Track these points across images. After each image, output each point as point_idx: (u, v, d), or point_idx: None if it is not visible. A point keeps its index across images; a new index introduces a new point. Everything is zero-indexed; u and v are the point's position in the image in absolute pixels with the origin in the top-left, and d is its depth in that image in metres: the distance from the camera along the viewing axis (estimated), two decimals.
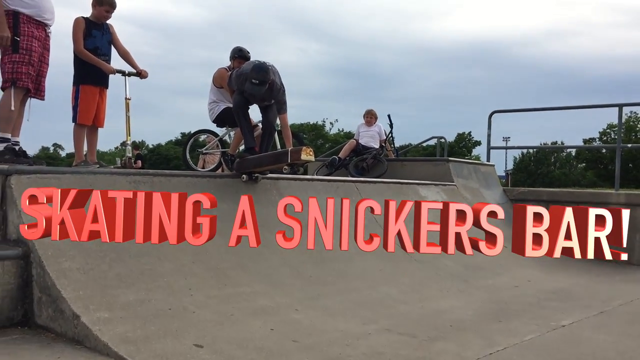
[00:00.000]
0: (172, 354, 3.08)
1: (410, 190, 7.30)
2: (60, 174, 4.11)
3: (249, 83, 5.25)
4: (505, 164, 62.19)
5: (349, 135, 8.47)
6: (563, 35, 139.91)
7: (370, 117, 9.45)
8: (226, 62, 7.16)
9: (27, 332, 3.44)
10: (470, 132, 59.34)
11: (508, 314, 4.54)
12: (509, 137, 55.82)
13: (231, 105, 7.41)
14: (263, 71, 5.24)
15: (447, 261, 6.17)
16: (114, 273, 3.70)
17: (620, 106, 8.65)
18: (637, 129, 40.52)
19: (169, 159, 61.52)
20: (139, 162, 16.49)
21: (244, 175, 5.27)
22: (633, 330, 4.23)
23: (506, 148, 19.56)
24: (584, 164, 47.26)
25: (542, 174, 54.53)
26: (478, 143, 56.41)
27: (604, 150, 38.98)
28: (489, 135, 9.73)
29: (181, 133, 78.93)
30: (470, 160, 9.70)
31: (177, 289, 3.84)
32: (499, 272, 6.25)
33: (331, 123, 62.74)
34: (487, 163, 9.66)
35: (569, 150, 49.13)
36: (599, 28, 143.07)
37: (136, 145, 18.24)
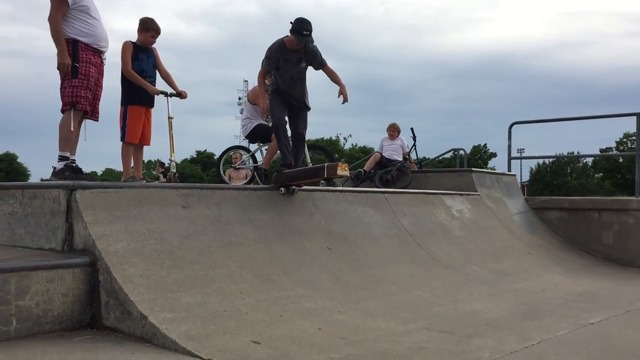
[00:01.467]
0: (233, 349, 3.36)
1: (437, 200, 7.56)
2: (118, 189, 4.44)
3: (299, 36, 5.52)
4: (521, 175, 62.02)
5: (364, 150, 8.80)
6: (575, 45, 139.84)
7: (393, 131, 9.77)
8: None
9: (96, 333, 3.74)
10: (485, 144, 59.41)
11: (538, 314, 4.77)
12: (523, 149, 55.66)
13: (263, 122, 7.83)
14: (307, 22, 5.57)
15: (474, 267, 6.43)
16: (172, 278, 4.00)
17: (639, 115, 8.86)
18: None
19: (185, 177, 62.08)
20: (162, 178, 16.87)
21: (282, 188, 5.57)
22: None
23: (522, 158, 19.73)
24: (601, 174, 47.11)
25: (558, 185, 54.32)
26: (494, 155, 56.43)
27: (620, 160, 38.92)
28: (509, 146, 9.97)
29: (196, 151, 79.70)
30: (492, 171, 9.95)
31: (229, 293, 4.13)
32: (525, 277, 6.47)
33: (345, 138, 63.24)
34: (509, 173, 9.89)
35: (585, 160, 48.97)
36: (611, 37, 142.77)
37: (161, 163, 18.69)
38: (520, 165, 62.04)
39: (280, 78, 5.84)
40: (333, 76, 5.98)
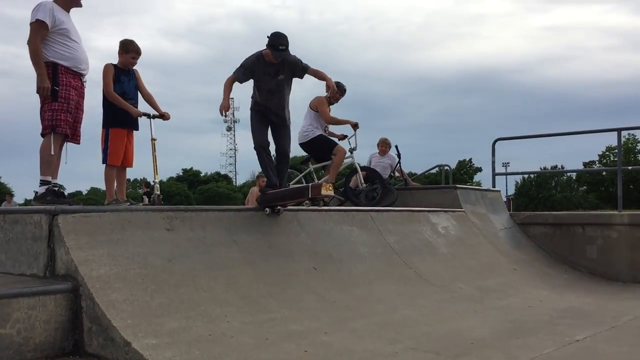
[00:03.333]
0: None
1: (422, 217, 7.58)
2: (101, 212, 4.40)
3: (274, 51, 5.53)
4: (507, 189, 62.34)
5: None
6: (557, 60, 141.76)
7: (385, 147, 9.70)
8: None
9: None
10: (470, 158, 59.79)
11: (524, 331, 4.77)
12: (508, 163, 56.13)
13: (324, 134, 8.25)
14: (282, 36, 5.60)
15: (460, 284, 6.43)
16: (156, 303, 3.96)
17: (619, 130, 8.98)
18: (636, 150, 40.98)
19: (171, 196, 61.85)
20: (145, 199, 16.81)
21: (267, 209, 5.56)
22: None
23: (507, 174, 19.92)
24: (585, 187, 47.58)
25: (543, 198, 54.71)
26: (479, 169, 56.80)
27: (604, 173, 39.35)
28: (493, 162, 10.05)
29: (182, 169, 79.46)
30: (477, 187, 10.01)
31: (214, 317, 4.09)
32: (511, 294, 6.49)
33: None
34: (493, 189, 9.96)
35: (569, 174, 49.47)
36: (593, 52, 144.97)
37: (147, 183, 18.62)
38: (506, 179, 62.58)
39: (258, 91, 5.83)
40: (319, 75, 5.94)
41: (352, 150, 8.39)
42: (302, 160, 9.16)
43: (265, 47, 5.68)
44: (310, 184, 5.49)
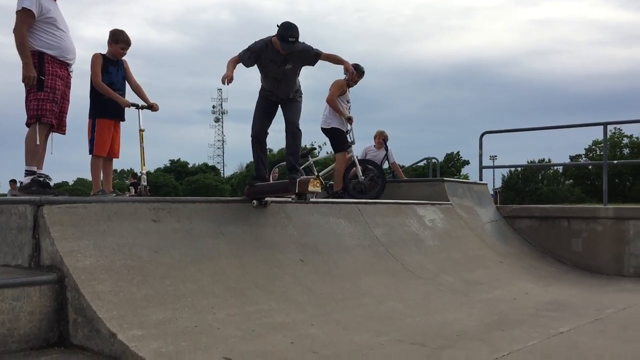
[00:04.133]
0: None
1: (409, 210, 7.61)
2: (87, 203, 4.37)
3: (283, 42, 5.33)
4: (494, 182, 62.75)
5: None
6: (545, 53, 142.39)
7: (381, 139, 9.69)
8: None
9: (64, 351, 3.67)
10: (458, 151, 60.02)
11: (509, 323, 4.81)
12: (495, 156, 56.44)
13: (340, 128, 8.29)
14: (293, 27, 5.38)
15: (447, 277, 6.47)
16: (142, 294, 3.95)
17: (605, 124, 9.05)
18: (622, 144, 41.33)
19: (158, 187, 61.62)
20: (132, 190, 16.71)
21: (254, 201, 5.55)
22: (626, 335, 4.52)
23: (495, 167, 20.00)
24: (571, 181, 47.96)
25: (530, 192, 55.08)
26: (467, 162, 57.05)
27: (590, 167, 39.69)
28: (480, 155, 10.10)
29: (170, 160, 79.15)
30: (464, 180, 10.04)
31: (200, 308, 4.09)
32: (497, 286, 6.53)
33: (319, 146, 63.26)
34: (480, 182, 10.00)
35: (555, 167, 49.78)
36: (581, 46, 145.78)
37: (134, 174, 18.53)
38: (493, 172, 62.79)
39: (264, 78, 5.70)
40: (334, 59, 5.74)
41: (350, 145, 8.42)
42: (303, 152, 9.17)
43: (275, 35, 5.48)
44: (297, 179, 5.45)
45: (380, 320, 4.70)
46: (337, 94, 8.30)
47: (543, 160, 48.37)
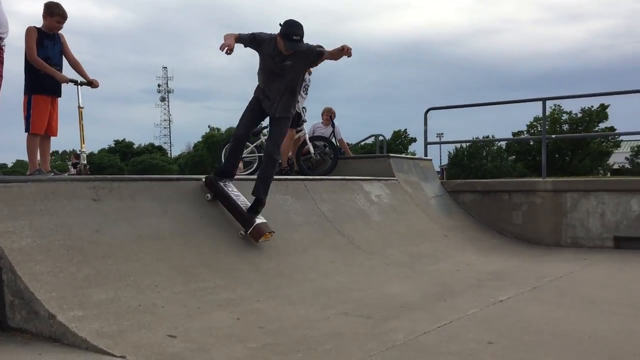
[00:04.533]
0: (148, 345, 3.29)
1: (356, 186, 7.67)
2: (22, 183, 4.22)
3: (288, 41, 5.04)
4: (440, 159, 63.92)
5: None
6: (489, 32, 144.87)
7: (328, 116, 9.67)
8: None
9: (1, 335, 3.56)
10: (405, 129, 60.69)
11: (452, 294, 4.94)
12: (442, 133, 57.43)
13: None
14: (298, 25, 5.09)
15: (393, 251, 6.57)
16: (82, 274, 3.85)
17: (544, 100, 9.31)
18: (562, 120, 42.65)
19: (103, 167, 60.01)
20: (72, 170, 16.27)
21: (208, 195, 5.42)
22: (562, 301, 4.72)
23: (440, 143, 20.33)
24: (514, 157, 49.27)
25: (475, 168, 56.35)
26: (414, 140, 57.82)
27: (532, 143, 40.87)
28: (425, 132, 10.23)
29: (115, 141, 77.17)
30: (409, 156, 10.17)
31: (144, 287, 4.02)
32: (441, 259, 6.69)
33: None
34: (425, 158, 10.16)
35: (499, 143, 51.06)
36: (524, 25, 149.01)
37: (77, 154, 17.98)
38: (440, 149, 63.97)
39: (261, 71, 5.39)
40: (336, 55, 5.30)
41: (301, 123, 8.39)
42: (254, 130, 9.11)
43: (278, 33, 5.16)
44: (254, 224, 5.24)
45: (326, 294, 4.74)
46: None
47: (487, 137, 49.54)
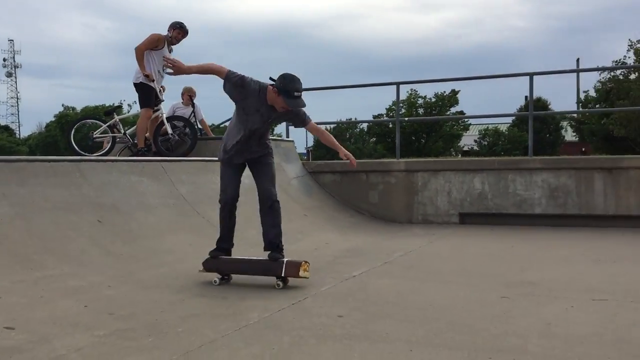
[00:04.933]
0: None
1: (216, 167, 7.56)
2: None
3: (288, 98, 4.35)
4: (307, 141, 65.01)
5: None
6: (353, 17, 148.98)
7: (189, 96, 9.44)
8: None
9: None
10: None
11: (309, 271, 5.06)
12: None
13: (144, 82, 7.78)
14: (298, 80, 4.41)
15: (252, 231, 6.58)
16: None
17: (398, 84, 9.77)
18: (417, 104, 45.01)
19: None
20: None
21: (215, 279, 4.56)
22: (409, 274, 5.02)
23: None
24: (374, 139, 51.31)
25: None
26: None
27: (390, 125, 42.75)
28: None
29: None
30: (271, 137, 10.17)
31: None
32: (300, 238, 6.82)
33: (129, 105, 60.25)
34: (287, 139, 10.28)
35: (361, 126, 52.97)
36: (385, 11, 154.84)
37: None
38: (306, 132, 65.04)
39: (239, 125, 4.64)
40: (323, 136, 4.90)
41: (158, 103, 8.12)
42: (107, 110, 8.91)
43: (269, 83, 4.45)
44: (286, 260, 4.53)
45: (182, 277, 4.67)
46: (149, 47, 7.91)
47: (350, 119, 51.15)
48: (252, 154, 4.81)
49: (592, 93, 36.92)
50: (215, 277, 4.55)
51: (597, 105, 35.70)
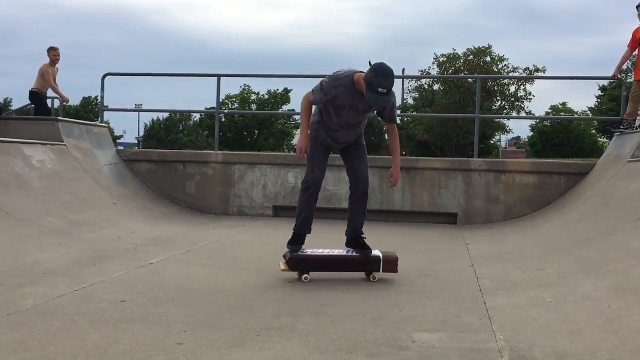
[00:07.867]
0: None
1: (14, 150, 7.05)
2: None
3: (370, 92, 4.10)
4: (138, 131, 62.61)
5: None
6: (194, 7, 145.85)
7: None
8: None
9: None
10: (97, 96, 57.66)
11: (104, 259, 4.93)
12: (141, 105, 56.20)
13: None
14: (389, 76, 4.14)
15: (51, 218, 6.26)
16: None
17: (219, 76, 9.81)
18: (251, 100, 45.45)
19: None
20: None
21: (306, 276, 4.35)
22: (208, 262, 5.10)
23: (118, 110, 19.85)
24: (207, 132, 50.92)
25: (171, 141, 56.65)
26: (105, 108, 55.30)
27: (223, 120, 42.64)
28: (102, 98, 9.94)
29: None
30: (82, 122, 9.68)
31: None
32: (105, 227, 6.60)
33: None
34: (100, 125, 9.85)
35: (195, 118, 52.34)
36: (226, 5, 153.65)
37: None
38: (138, 119, 62.54)
39: (328, 118, 4.45)
40: (393, 140, 4.67)
41: None
42: None
43: (361, 71, 4.25)
44: (382, 254, 4.50)
45: None
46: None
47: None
48: (348, 140, 4.64)
49: (410, 101, 40.07)
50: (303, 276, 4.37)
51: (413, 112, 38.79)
